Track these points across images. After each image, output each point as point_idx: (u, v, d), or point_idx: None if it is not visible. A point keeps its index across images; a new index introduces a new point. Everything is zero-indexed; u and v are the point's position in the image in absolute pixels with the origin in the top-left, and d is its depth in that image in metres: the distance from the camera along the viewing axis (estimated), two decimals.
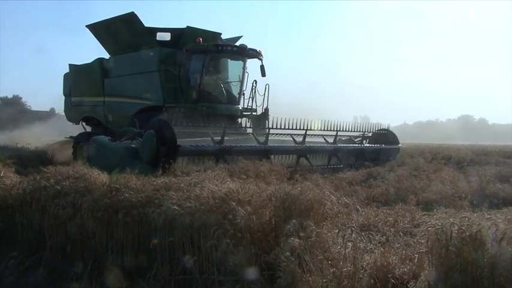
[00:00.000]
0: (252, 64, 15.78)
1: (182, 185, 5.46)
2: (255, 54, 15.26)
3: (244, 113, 15.80)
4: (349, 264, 3.83)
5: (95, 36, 16.86)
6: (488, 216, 4.00)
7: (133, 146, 10.63)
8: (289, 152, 12.97)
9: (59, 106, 20.90)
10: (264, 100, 15.37)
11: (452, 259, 3.59)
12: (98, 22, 16.63)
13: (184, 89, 14.58)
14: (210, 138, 11.33)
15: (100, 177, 6.04)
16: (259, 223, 4.48)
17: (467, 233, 3.60)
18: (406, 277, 4.23)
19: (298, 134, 12.95)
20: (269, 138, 12.34)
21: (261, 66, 15.44)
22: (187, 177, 5.67)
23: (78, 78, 18.10)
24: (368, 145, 15.81)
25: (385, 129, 16.65)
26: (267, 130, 12.46)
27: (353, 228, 4.25)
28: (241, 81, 15.78)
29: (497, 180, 9.27)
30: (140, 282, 4.60)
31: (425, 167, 12.64)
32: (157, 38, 15.31)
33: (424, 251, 4.01)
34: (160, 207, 4.85)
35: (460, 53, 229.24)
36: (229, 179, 5.60)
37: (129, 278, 4.75)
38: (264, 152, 11.89)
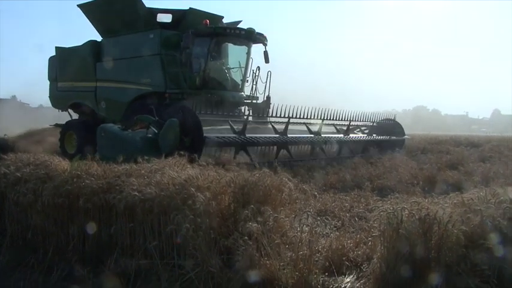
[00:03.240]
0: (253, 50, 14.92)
1: (143, 171, 5.47)
2: (262, 38, 14.44)
3: (245, 101, 14.95)
4: (305, 248, 3.95)
5: (87, 17, 15.63)
6: (437, 201, 4.21)
7: (149, 135, 9.90)
8: (307, 142, 12.61)
9: (22, 93, 19.50)
10: (266, 88, 14.55)
11: (402, 242, 3.76)
12: (92, 1, 15.25)
13: (187, 74, 13.49)
14: (223, 127, 10.70)
15: (61, 164, 5.98)
16: (218, 208, 4.56)
17: (417, 217, 3.77)
18: (359, 259, 4.43)
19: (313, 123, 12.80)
20: (275, 126, 11.89)
21: (264, 52, 14.59)
22: (148, 164, 5.69)
23: (66, 62, 16.63)
24: (380, 137, 15.23)
25: (391, 119, 16.28)
26: (287, 119, 11.75)
27: (309, 213, 4.38)
28: (246, 67, 14.80)
29: (447, 168, 9.60)
30: (101, 268, 4.64)
31: (380, 155, 12.87)
32: (158, 20, 14.23)
33: (376, 234, 4.17)
34: (121, 194, 4.87)
35: (416, 45, 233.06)
36: (189, 166, 5.65)
37: (90, 263, 4.78)
38: (284, 144, 11.58)
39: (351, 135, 14.40)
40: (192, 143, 9.25)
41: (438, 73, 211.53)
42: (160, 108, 11.28)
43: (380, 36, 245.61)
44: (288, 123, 11.74)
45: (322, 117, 12.85)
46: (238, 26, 15.23)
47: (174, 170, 5.30)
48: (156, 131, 9.78)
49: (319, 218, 5.22)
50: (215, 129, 10.44)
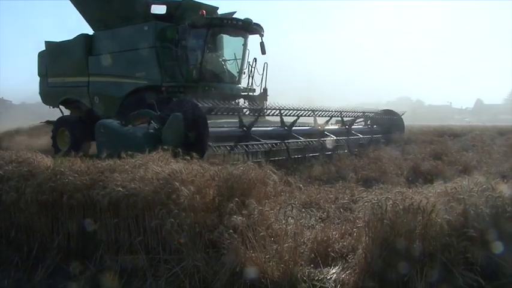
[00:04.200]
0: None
1: (127, 166, 5.43)
2: (259, 29, 14.03)
3: (242, 93, 14.61)
4: (290, 240, 3.97)
5: (77, 8, 15.29)
6: (420, 190, 4.24)
7: (151, 131, 9.53)
8: (311, 136, 11.75)
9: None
10: (262, 80, 14.18)
11: (387, 231, 3.79)
12: None
13: (183, 67, 13.10)
14: (223, 121, 10.34)
15: (44, 160, 5.92)
16: (202, 202, 4.54)
17: (401, 207, 3.80)
18: (345, 250, 4.45)
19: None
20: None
21: (260, 43, 14.08)
22: (132, 159, 5.66)
23: (56, 57, 16.15)
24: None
25: (391, 111, 15.81)
26: (296, 112, 11.20)
27: (293, 205, 4.40)
28: (242, 59, 14.43)
29: (431, 158, 9.67)
30: (87, 264, 4.61)
31: (365, 146, 12.86)
32: (152, 11, 13.64)
33: (361, 225, 4.19)
34: (105, 189, 4.83)
35: (400, 37, 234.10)
36: (173, 160, 5.62)
37: (75, 260, 4.75)
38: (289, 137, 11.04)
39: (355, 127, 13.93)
40: (197, 138, 8.90)
41: (421, 64, 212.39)
42: (159, 102, 10.90)
43: (364, 29, 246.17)
44: (297, 119, 11.27)
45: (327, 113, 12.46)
46: (233, 16, 14.82)
47: (158, 164, 5.28)
48: (157, 127, 9.47)
49: (304, 210, 5.23)
50: (216, 123, 10.05)
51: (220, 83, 13.85)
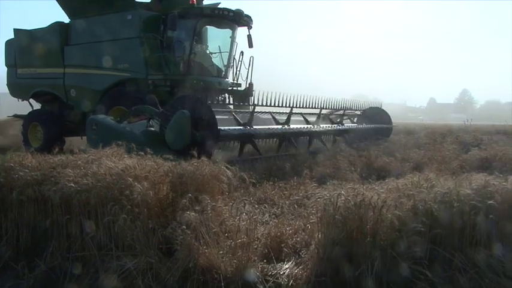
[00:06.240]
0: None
1: (79, 162, 5.34)
2: (249, 21, 13.41)
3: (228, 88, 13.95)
4: (243, 236, 3.98)
5: None
6: (372, 186, 4.32)
7: (152, 129, 8.99)
8: (304, 134, 11.62)
9: None
10: (248, 74, 13.61)
11: (339, 227, 3.84)
12: None
13: (170, 59, 12.38)
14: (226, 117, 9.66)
15: None
16: (156, 198, 4.53)
17: (352, 203, 3.86)
18: (298, 246, 4.48)
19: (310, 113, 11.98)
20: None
21: (248, 35, 13.59)
22: (85, 155, 5.57)
23: (27, 46, 14.85)
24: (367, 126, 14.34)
25: (377, 108, 15.56)
26: (290, 109, 10.65)
27: (247, 201, 4.42)
28: (230, 52, 13.79)
29: (384, 155, 9.82)
30: (37, 262, 4.51)
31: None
32: None
33: (314, 221, 4.24)
34: (57, 185, 4.74)
35: (359, 38, 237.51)
36: (126, 156, 5.55)
37: (25, 257, 4.64)
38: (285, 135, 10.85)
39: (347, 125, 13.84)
40: (205, 137, 8.17)
41: (378, 63, 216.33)
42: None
43: (321, 28, 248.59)
44: (290, 113, 10.86)
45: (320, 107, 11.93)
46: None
47: (112, 160, 5.21)
48: (159, 124, 8.85)
49: (257, 206, 5.26)
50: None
51: (209, 77, 13.27)
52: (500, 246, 3.82)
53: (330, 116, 13.19)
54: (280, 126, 10.68)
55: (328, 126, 12.59)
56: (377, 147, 10.61)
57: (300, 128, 11.33)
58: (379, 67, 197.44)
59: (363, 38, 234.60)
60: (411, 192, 4.12)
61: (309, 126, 11.69)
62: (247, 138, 9.60)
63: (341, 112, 13.65)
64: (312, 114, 12.05)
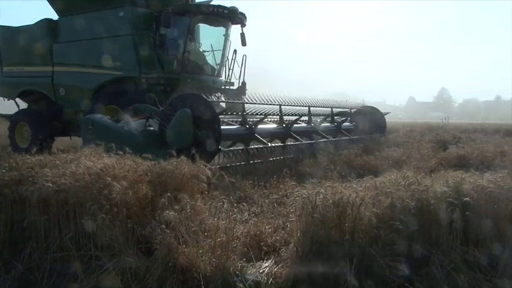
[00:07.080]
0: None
1: (58, 162, 5.27)
2: (243, 19, 13.26)
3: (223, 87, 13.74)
4: (223, 235, 3.98)
5: None
6: (350, 185, 4.35)
7: (151, 128, 8.76)
8: (307, 133, 11.35)
9: None
10: (241, 73, 13.44)
11: (317, 225, 3.87)
12: None
13: (163, 57, 12.16)
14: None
15: None
16: (135, 197, 4.50)
17: (331, 201, 3.89)
18: (278, 244, 4.51)
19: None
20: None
21: (241, 33, 13.40)
22: (64, 154, 5.51)
23: (13, 43, 14.37)
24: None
25: (371, 107, 15.33)
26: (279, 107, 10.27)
27: (226, 200, 4.41)
28: (224, 50, 13.58)
29: (364, 153, 9.88)
30: (14, 263, 4.45)
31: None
32: None
33: (293, 219, 4.26)
34: (35, 185, 4.66)
35: (340, 38, 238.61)
36: (105, 155, 5.51)
37: (2, 258, 4.58)
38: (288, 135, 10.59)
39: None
40: (207, 137, 7.97)
41: (358, 62, 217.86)
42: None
43: (306, 26, 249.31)
44: (299, 117, 10.78)
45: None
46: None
47: (90, 159, 5.16)
48: (159, 123, 8.65)
49: (236, 205, 5.26)
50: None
51: (203, 76, 13.10)
52: (476, 242, 3.89)
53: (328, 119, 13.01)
54: (283, 126, 10.50)
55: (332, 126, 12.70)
56: (357, 145, 10.60)
57: (303, 126, 11.34)
58: (358, 66, 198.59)
59: (342, 38, 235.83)
60: (389, 190, 4.15)
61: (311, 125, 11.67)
62: (249, 138, 9.44)
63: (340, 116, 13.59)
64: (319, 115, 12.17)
